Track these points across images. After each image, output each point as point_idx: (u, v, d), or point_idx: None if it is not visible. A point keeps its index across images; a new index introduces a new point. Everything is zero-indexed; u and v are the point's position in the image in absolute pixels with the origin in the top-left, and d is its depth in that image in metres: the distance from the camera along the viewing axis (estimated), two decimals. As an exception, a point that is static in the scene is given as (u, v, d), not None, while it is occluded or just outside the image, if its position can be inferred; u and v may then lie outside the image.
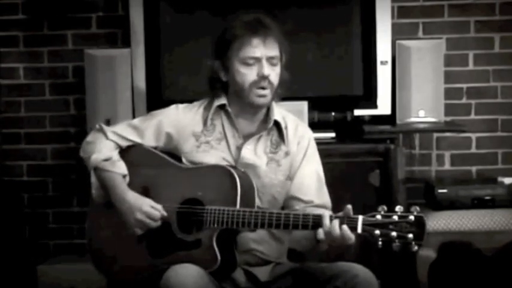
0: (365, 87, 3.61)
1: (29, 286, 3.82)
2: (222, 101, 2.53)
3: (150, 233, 2.44)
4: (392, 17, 3.78)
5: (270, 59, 2.45)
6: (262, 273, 2.49)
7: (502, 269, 3.12)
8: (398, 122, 3.63)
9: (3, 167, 4.09)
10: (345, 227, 2.22)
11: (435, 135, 3.98)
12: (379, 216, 2.20)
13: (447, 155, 4.03)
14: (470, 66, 4.00)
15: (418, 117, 3.62)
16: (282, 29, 2.51)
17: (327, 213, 2.28)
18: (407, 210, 2.21)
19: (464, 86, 4.00)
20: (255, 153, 2.50)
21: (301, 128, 2.60)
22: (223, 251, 2.35)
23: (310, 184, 2.53)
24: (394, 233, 2.17)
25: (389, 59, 3.61)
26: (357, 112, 3.70)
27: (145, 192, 2.48)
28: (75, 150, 4.03)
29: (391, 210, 2.21)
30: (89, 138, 2.59)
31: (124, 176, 2.50)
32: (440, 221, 3.51)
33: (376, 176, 3.41)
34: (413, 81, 3.63)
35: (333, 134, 3.57)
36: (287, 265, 2.54)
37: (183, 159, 2.52)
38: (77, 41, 4.04)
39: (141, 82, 3.66)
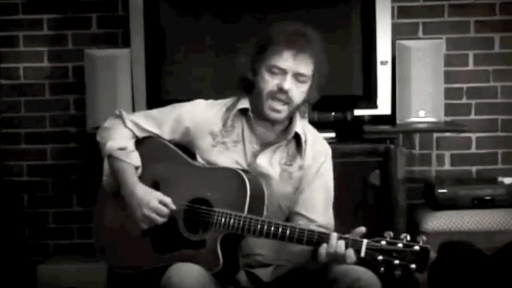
0: (365, 87, 3.60)
1: (29, 286, 3.82)
2: (245, 104, 2.48)
3: (155, 228, 2.43)
4: (392, 17, 3.77)
5: (296, 75, 2.40)
6: (265, 274, 2.49)
7: (502, 269, 3.11)
8: (398, 122, 3.63)
9: (3, 167, 4.08)
10: (350, 250, 2.20)
11: (435, 135, 3.98)
12: (384, 242, 2.18)
13: (447, 155, 4.03)
14: (470, 66, 4.00)
15: (418, 117, 3.62)
16: (324, 48, 2.45)
17: (334, 234, 2.25)
18: (413, 239, 2.18)
19: (464, 86, 4.00)
20: (270, 163, 2.47)
21: (319, 143, 2.55)
22: (226, 254, 2.34)
23: (318, 203, 2.48)
24: (397, 261, 2.16)
25: (389, 59, 3.60)
26: (357, 112, 3.69)
27: (155, 186, 2.47)
28: (75, 150, 4.07)
29: (397, 237, 2.18)
30: (107, 123, 2.58)
31: (137, 168, 2.49)
32: (440, 221, 3.51)
33: (376, 176, 3.41)
34: (413, 81, 3.62)
35: (333, 134, 3.56)
36: (289, 266, 2.53)
37: (197, 156, 2.49)
38: (77, 41, 4.04)
39: (141, 82, 3.66)
